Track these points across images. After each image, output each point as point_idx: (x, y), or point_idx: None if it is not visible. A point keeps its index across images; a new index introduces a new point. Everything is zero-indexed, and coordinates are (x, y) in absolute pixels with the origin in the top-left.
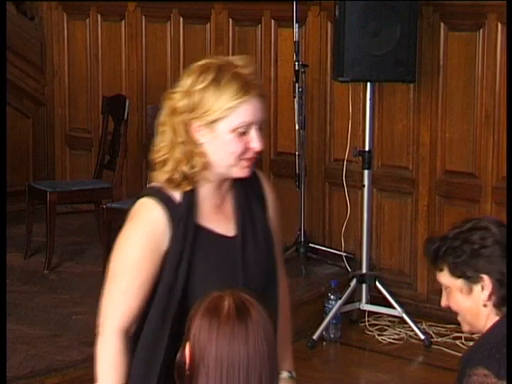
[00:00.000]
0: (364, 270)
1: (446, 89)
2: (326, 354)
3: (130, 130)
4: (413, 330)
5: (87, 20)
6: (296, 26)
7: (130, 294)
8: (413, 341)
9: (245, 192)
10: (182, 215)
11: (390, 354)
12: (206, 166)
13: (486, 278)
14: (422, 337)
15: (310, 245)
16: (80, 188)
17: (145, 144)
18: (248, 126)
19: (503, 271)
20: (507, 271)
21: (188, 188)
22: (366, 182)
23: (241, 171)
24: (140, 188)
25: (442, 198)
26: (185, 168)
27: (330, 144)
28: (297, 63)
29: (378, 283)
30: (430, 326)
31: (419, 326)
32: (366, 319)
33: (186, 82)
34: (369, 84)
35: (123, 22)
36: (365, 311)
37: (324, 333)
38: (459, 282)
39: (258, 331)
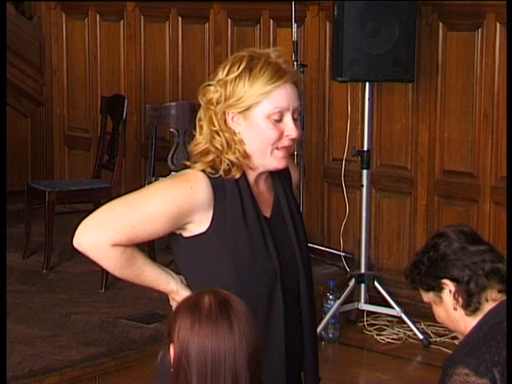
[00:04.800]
0: (363, 270)
1: (444, 88)
2: (324, 354)
3: (129, 130)
4: (411, 330)
5: (86, 20)
6: (295, 25)
7: (137, 230)
8: (411, 341)
9: (281, 183)
10: (234, 194)
11: (389, 353)
12: (245, 155)
13: (447, 282)
14: (421, 337)
15: (309, 244)
16: (79, 188)
17: (143, 143)
18: (282, 112)
19: (460, 273)
20: (507, 270)
21: (238, 175)
22: (364, 182)
23: (277, 161)
24: (139, 188)
25: (441, 197)
26: (230, 156)
27: (329, 144)
28: (295, 63)
29: (376, 283)
30: (429, 325)
31: (418, 325)
32: (365, 319)
33: (219, 73)
34: (367, 84)
35: (122, 21)
36: (363, 311)
37: (323, 332)
38: (431, 295)
39: (242, 321)
